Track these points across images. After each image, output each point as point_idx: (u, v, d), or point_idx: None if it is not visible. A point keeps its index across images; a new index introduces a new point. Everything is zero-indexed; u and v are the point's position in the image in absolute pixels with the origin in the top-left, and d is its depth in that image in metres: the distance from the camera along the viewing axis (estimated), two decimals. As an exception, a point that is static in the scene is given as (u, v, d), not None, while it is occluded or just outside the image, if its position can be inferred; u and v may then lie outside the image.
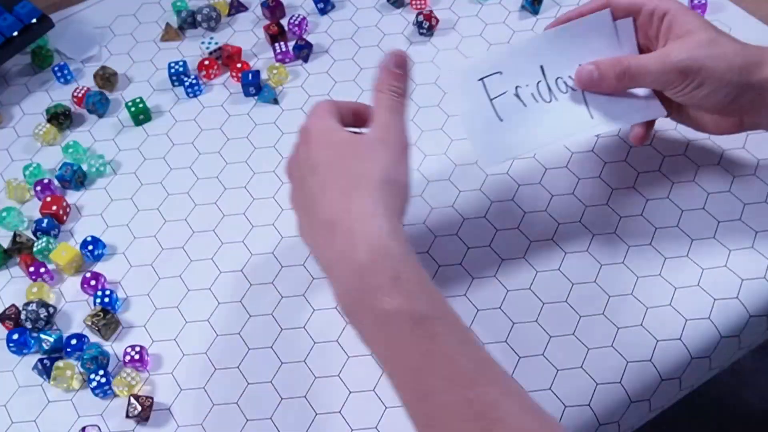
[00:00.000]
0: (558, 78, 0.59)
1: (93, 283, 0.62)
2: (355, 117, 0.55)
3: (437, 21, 0.77)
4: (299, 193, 0.53)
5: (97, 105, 0.72)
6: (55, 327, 0.60)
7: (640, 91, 0.59)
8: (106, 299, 0.60)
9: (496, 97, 0.59)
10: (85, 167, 0.69)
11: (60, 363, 0.57)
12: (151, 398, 0.56)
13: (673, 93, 0.58)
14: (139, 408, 0.55)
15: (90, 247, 0.63)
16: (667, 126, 0.67)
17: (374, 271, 0.46)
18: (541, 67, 0.59)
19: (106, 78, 0.75)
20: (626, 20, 0.60)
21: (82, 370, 0.58)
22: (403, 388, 0.46)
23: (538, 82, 0.59)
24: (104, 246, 0.64)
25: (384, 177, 0.49)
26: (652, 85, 0.58)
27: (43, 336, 0.58)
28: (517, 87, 0.59)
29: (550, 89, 0.59)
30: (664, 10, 0.58)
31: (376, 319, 0.46)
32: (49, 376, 0.57)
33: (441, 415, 0.43)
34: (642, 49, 0.60)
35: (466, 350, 0.45)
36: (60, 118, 0.72)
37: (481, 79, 0.59)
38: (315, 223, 0.51)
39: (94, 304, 0.60)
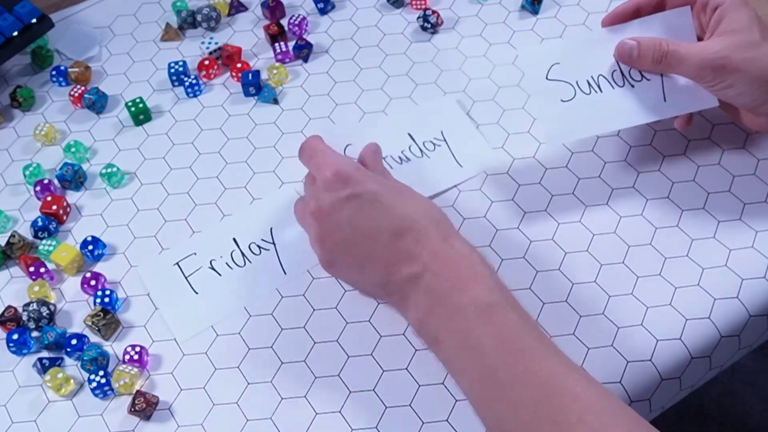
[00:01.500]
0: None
1: (93, 283, 0.62)
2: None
3: (442, 21, 0.76)
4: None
5: (96, 100, 0.72)
6: (57, 326, 0.60)
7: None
8: (106, 299, 0.60)
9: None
10: (105, 183, 0.69)
11: (53, 371, 0.57)
12: (157, 397, 0.56)
13: (705, 87, 0.59)
14: (145, 404, 0.55)
15: (90, 247, 0.63)
16: (666, 126, 0.67)
17: (476, 266, 0.54)
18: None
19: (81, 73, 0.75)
20: (683, 9, 0.62)
21: (82, 370, 0.58)
22: (494, 356, 0.50)
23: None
24: (104, 246, 0.64)
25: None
26: (687, 76, 0.60)
27: (47, 329, 0.59)
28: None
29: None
30: (717, 2, 0.59)
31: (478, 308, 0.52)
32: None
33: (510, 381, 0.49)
34: (699, 37, 0.62)
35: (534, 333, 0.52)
36: (19, 99, 0.74)
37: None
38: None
39: (94, 304, 0.60)
